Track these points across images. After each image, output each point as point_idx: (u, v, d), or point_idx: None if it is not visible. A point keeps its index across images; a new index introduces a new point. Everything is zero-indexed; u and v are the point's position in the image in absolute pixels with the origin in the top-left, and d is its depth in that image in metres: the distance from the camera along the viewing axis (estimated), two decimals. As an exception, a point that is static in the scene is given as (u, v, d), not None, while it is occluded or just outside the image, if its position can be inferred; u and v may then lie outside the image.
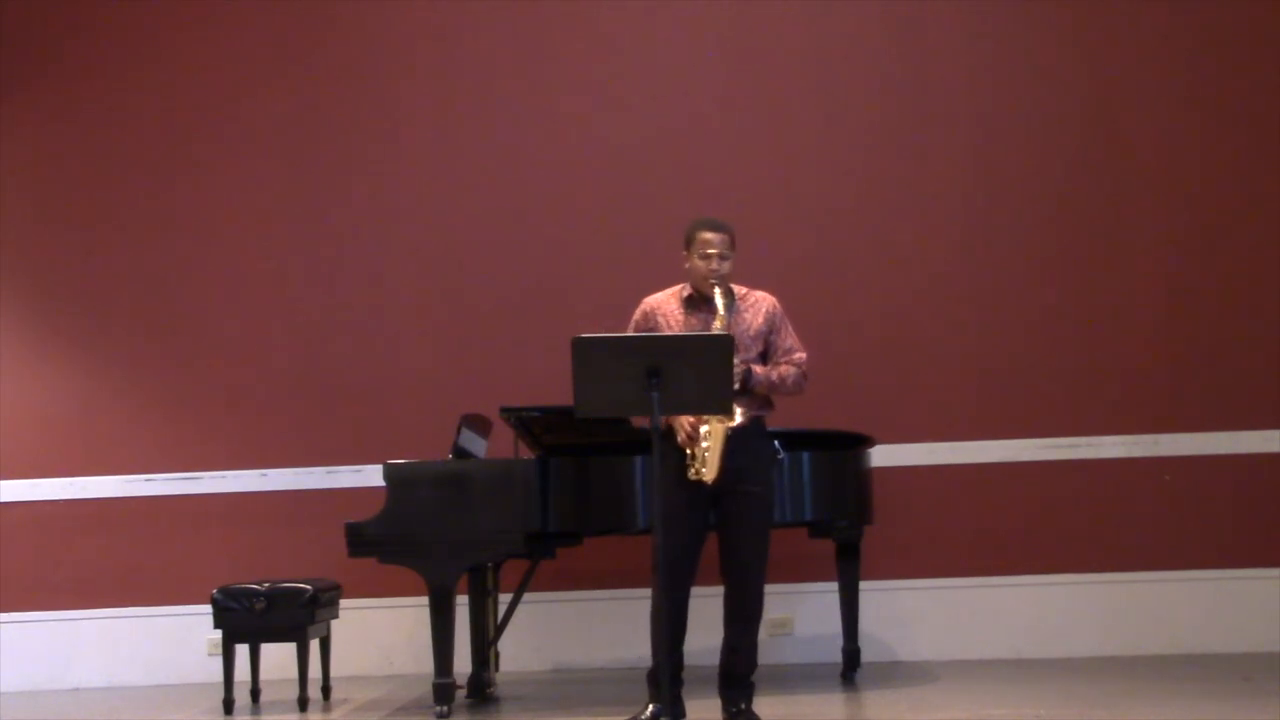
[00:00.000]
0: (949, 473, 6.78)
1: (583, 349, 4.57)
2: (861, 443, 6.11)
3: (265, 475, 6.99)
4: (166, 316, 7.15)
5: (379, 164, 7.18)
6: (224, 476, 7.00)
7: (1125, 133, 6.92)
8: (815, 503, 5.86)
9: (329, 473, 6.95)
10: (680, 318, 5.09)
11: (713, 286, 5.02)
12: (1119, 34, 6.98)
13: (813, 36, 7.11)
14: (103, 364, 7.15)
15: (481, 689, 6.01)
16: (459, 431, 5.75)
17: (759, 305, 5.17)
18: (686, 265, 5.12)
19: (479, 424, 6.04)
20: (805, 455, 5.81)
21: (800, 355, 5.17)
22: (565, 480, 5.63)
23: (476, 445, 5.98)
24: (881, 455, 6.36)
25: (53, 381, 7.15)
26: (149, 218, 7.20)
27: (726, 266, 5.06)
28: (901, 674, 6.33)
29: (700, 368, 4.55)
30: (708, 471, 4.84)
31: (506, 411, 5.75)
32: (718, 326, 4.94)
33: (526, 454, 5.97)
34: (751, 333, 5.09)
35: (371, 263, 7.14)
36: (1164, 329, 6.81)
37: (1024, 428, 6.78)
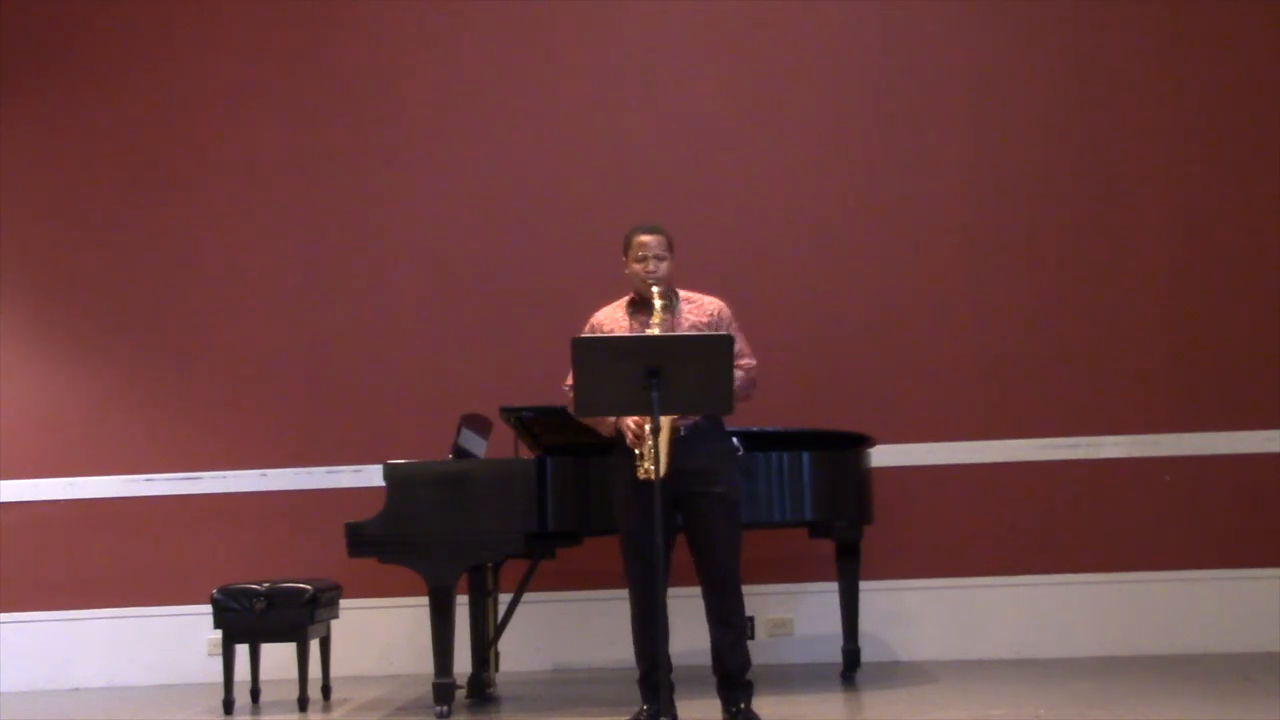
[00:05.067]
0: (949, 473, 6.78)
1: (582, 349, 4.57)
2: (861, 443, 6.11)
3: (265, 475, 6.99)
4: (167, 317, 7.16)
5: (379, 165, 7.18)
6: (224, 476, 7.01)
7: (1125, 132, 6.92)
8: (815, 503, 5.86)
9: (329, 473, 6.95)
10: (625, 324, 5.10)
11: (650, 287, 5.01)
12: (1120, 34, 6.98)
13: (813, 37, 7.11)
14: (103, 364, 7.16)
15: (481, 689, 6.01)
16: (459, 431, 5.75)
17: (704, 307, 5.14)
18: (627, 271, 5.13)
19: (479, 424, 6.04)
20: (805, 455, 5.81)
21: (747, 361, 5.11)
22: (565, 480, 5.64)
23: (476, 445, 5.98)
24: (881, 455, 6.36)
25: (53, 381, 7.16)
26: (149, 218, 7.21)
27: (664, 268, 5.05)
28: (901, 674, 6.33)
29: (700, 368, 4.55)
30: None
31: (506, 411, 5.75)
32: (655, 323, 4.91)
33: (526, 454, 5.97)
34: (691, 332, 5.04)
35: (372, 263, 7.14)
36: (1164, 329, 6.81)
37: (1024, 428, 6.78)
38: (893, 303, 6.92)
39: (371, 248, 7.14)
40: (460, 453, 5.73)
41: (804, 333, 6.81)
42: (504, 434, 6.02)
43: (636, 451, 4.81)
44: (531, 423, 5.85)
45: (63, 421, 7.11)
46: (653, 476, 4.68)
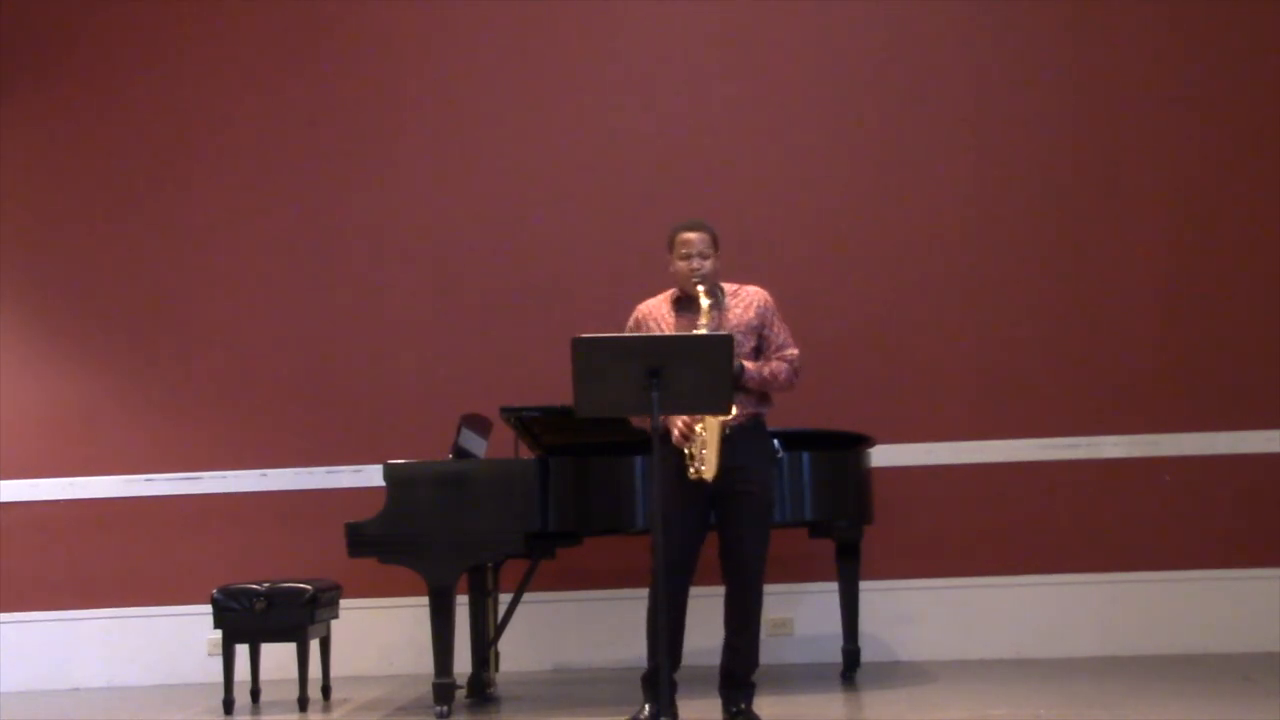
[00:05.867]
0: (949, 473, 6.78)
1: (583, 349, 4.57)
2: (861, 443, 6.11)
3: (265, 475, 6.99)
4: (166, 317, 7.16)
5: (379, 164, 7.18)
6: (224, 476, 7.00)
7: (1125, 132, 6.92)
8: (815, 503, 5.86)
9: (329, 473, 6.95)
10: (671, 320, 5.11)
11: (696, 285, 5.02)
12: (1120, 34, 6.98)
13: (813, 36, 7.11)
14: (103, 364, 7.16)
15: (481, 689, 6.01)
16: (459, 431, 5.75)
17: (749, 300, 5.16)
18: (671, 269, 5.13)
19: (479, 424, 6.04)
20: (805, 455, 5.81)
21: (792, 351, 5.15)
22: (565, 480, 5.63)
23: (476, 445, 5.98)
24: (881, 455, 6.36)
25: (53, 381, 7.15)
26: (149, 218, 7.21)
27: (709, 265, 5.07)
28: (901, 674, 6.33)
29: (700, 367, 4.55)
30: (707, 469, 4.82)
31: (506, 411, 5.75)
32: (703, 324, 4.93)
33: (526, 454, 5.97)
34: (741, 327, 5.07)
35: (372, 262, 7.14)
36: (1164, 329, 6.81)
37: (1023, 428, 6.78)
38: (893, 303, 6.92)
39: (372, 247, 7.14)
40: (460, 453, 5.73)
41: (804, 332, 6.75)
42: (504, 434, 6.01)
43: (686, 451, 4.85)
44: (531, 423, 5.85)
45: (63, 421, 7.11)
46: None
